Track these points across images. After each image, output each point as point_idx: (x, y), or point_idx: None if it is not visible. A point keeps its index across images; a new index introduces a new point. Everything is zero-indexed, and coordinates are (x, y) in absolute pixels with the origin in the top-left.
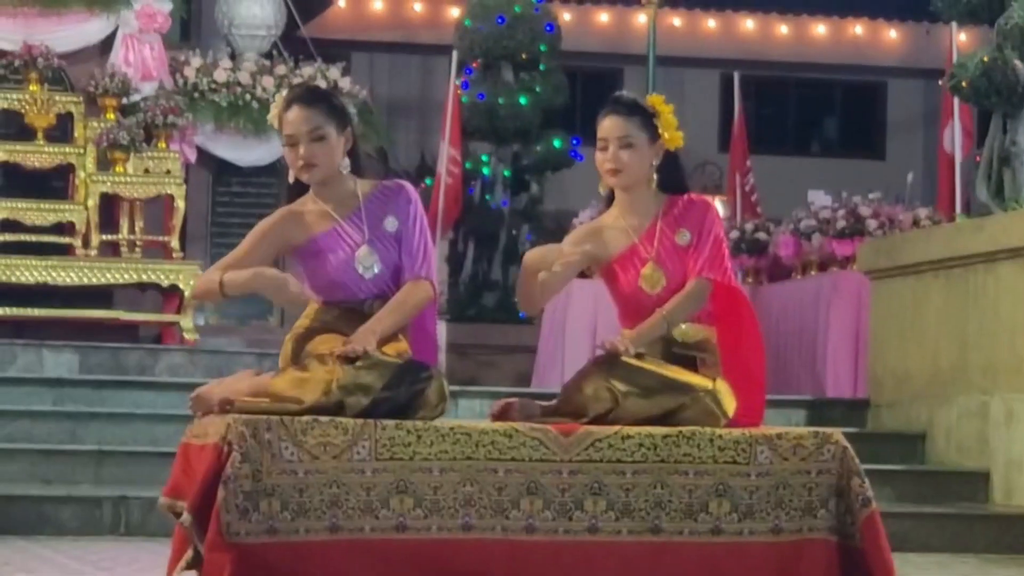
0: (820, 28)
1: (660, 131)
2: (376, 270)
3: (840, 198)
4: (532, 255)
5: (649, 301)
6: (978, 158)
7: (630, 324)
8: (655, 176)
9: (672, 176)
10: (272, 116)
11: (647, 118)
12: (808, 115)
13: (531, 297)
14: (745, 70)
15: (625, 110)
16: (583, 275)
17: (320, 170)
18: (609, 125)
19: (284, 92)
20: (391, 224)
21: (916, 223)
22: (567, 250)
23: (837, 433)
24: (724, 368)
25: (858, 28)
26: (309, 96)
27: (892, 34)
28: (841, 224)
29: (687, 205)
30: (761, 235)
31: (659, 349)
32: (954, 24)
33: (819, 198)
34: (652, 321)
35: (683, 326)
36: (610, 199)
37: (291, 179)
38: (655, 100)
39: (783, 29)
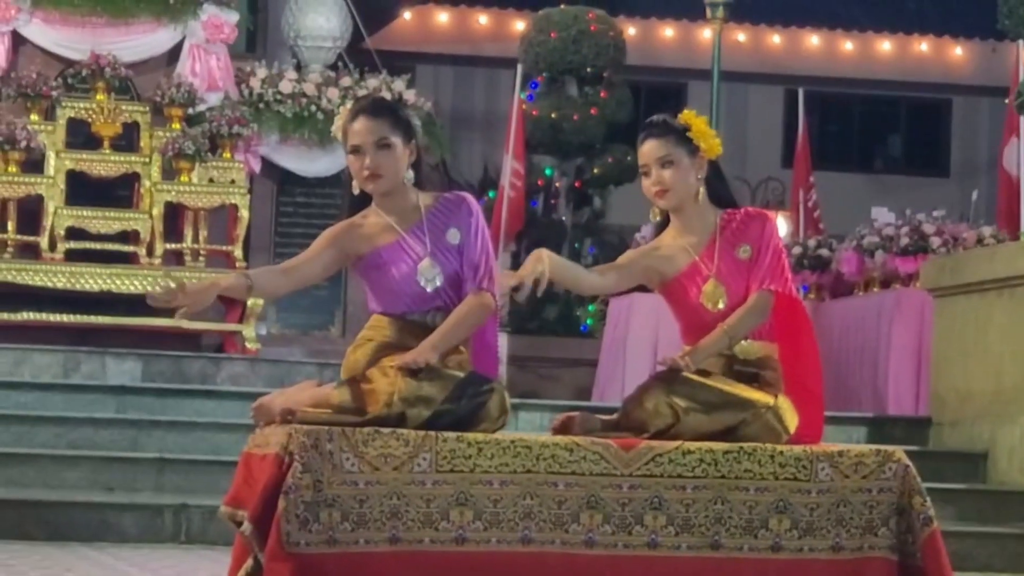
0: (885, 45)
1: (696, 143)
2: (438, 283)
3: (904, 215)
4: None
5: (710, 317)
6: None
7: (692, 340)
8: (703, 190)
9: (717, 186)
10: (337, 128)
11: (681, 134)
12: (872, 132)
13: None
14: (810, 86)
15: (658, 131)
16: (644, 289)
17: (385, 180)
18: (647, 150)
19: (349, 104)
20: (453, 236)
21: (980, 241)
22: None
23: (899, 451)
24: (784, 383)
25: (923, 45)
26: (375, 107)
27: (958, 51)
28: (904, 241)
29: (745, 219)
30: (824, 251)
31: (721, 366)
32: (1020, 42)
33: (882, 215)
34: (714, 336)
35: (745, 343)
36: (661, 226)
37: (355, 190)
38: (686, 115)
39: (848, 45)
